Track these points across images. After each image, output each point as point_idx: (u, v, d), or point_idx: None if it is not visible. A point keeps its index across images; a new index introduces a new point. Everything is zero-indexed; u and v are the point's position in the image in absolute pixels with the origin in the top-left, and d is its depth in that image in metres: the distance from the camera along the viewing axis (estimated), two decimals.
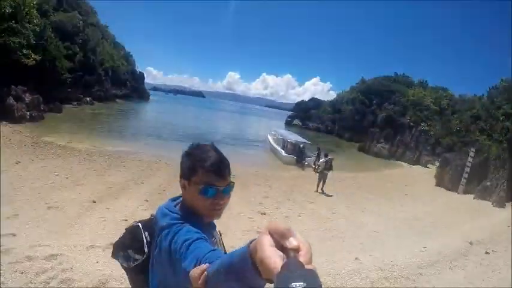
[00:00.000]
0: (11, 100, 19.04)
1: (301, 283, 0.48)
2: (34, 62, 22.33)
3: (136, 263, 1.37)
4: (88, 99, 37.97)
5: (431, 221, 11.07)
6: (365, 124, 44.88)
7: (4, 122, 17.20)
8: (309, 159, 20.39)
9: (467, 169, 18.02)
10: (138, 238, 1.39)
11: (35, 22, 23.00)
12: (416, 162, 30.34)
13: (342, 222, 9.64)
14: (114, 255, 1.47)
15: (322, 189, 13.23)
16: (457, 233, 9.61)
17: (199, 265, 0.91)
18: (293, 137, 23.86)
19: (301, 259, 0.55)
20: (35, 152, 12.42)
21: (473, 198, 16.40)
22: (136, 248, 1.38)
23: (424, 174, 24.42)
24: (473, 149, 18.70)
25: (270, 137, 27.29)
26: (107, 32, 56.80)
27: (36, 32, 23.52)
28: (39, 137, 15.27)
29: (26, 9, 21.71)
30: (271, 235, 0.59)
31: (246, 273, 0.67)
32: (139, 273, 1.39)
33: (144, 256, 1.36)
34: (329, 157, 14.07)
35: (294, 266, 0.53)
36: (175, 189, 1.34)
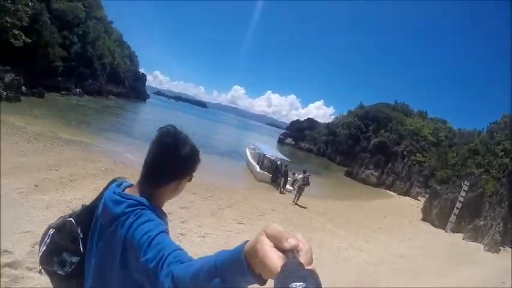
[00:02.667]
0: None
1: (301, 283, 0.48)
2: (22, 43, 21.41)
3: (73, 267, 1.23)
4: (78, 90, 36.95)
5: (401, 265, 8.93)
6: (357, 149, 43.91)
7: None
8: (288, 180, 17.59)
9: (459, 204, 16.46)
10: (73, 236, 1.24)
11: (29, 4, 21.96)
12: (406, 193, 29.21)
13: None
14: (47, 263, 1.25)
15: (296, 202, 13.82)
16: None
17: (162, 262, 0.86)
18: (272, 152, 21.62)
19: (301, 259, 0.56)
20: None
21: (463, 239, 14.70)
22: (72, 249, 1.23)
23: (411, 207, 23.02)
24: (467, 183, 17.18)
25: (247, 151, 24.86)
26: (111, 29, 55.86)
27: (30, 14, 22.54)
28: None
29: None
30: (269, 237, 0.60)
31: (236, 275, 0.67)
32: (72, 278, 1.24)
33: (80, 257, 1.23)
34: (307, 174, 14.81)
35: (293, 267, 0.53)
36: None
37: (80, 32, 37.41)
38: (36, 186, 7.13)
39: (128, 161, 13.15)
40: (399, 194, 29.18)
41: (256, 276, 0.64)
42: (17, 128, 13.17)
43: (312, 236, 9.44)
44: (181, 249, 0.92)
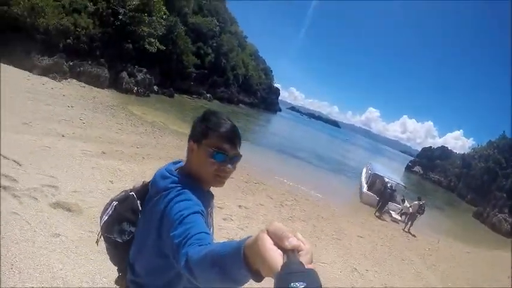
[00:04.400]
0: (124, 74, 22.21)
1: (302, 283, 0.48)
2: (156, 49, 24.94)
3: (130, 236, 1.33)
4: (209, 95, 40.42)
5: None
6: (493, 188, 36.79)
7: (111, 89, 20.63)
8: (397, 208, 15.41)
9: None
10: (133, 208, 1.35)
11: (163, 17, 25.53)
12: None
13: None
14: (107, 231, 1.38)
15: (409, 229, 13.15)
16: None
17: (186, 240, 0.91)
18: (386, 172, 18.88)
19: (302, 259, 0.56)
20: (99, 108, 13.77)
21: None
22: (131, 220, 1.35)
23: None
24: None
25: (364, 170, 22.83)
26: (245, 43, 60.60)
27: (166, 25, 26.32)
28: (123, 104, 16.82)
29: (156, 5, 24.20)
30: (270, 235, 0.60)
31: (233, 267, 0.68)
32: (124, 245, 1.35)
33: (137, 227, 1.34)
34: (422, 201, 13.80)
35: (294, 266, 0.53)
36: None
37: (214, 44, 41.58)
38: (104, 153, 7.46)
39: None
40: None
41: (253, 272, 0.64)
42: (131, 114, 15.07)
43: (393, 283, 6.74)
44: (207, 233, 0.97)
